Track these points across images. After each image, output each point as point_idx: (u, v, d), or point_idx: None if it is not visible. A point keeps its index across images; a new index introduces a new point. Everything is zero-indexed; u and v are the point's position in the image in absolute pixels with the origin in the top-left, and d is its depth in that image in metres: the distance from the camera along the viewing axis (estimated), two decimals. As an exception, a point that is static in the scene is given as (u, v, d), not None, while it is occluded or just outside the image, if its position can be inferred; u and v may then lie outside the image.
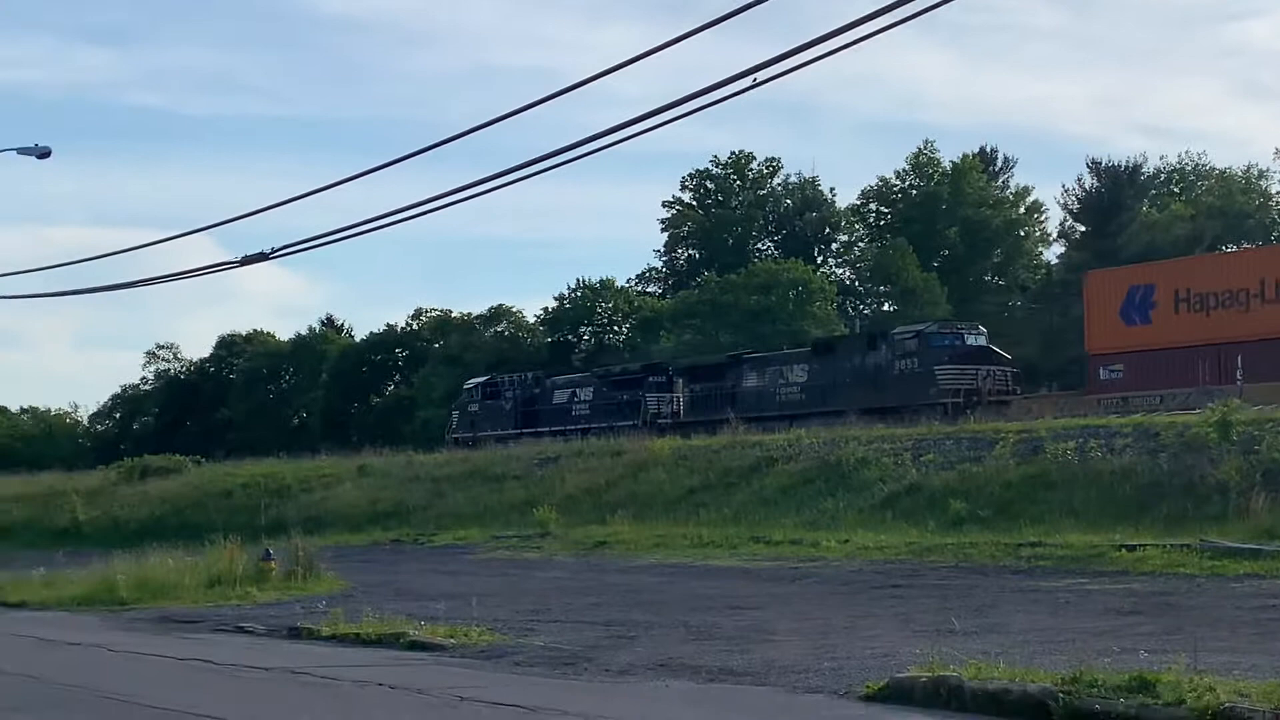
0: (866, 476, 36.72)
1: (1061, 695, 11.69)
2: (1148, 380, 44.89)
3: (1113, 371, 47.36)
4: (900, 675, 13.25)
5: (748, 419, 48.24)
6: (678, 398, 57.52)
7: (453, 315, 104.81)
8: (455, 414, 66.83)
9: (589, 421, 57.30)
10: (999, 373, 48.55)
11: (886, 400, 47.39)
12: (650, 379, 58.68)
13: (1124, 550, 25.60)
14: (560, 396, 61.25)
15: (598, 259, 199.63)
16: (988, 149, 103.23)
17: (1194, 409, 34.94)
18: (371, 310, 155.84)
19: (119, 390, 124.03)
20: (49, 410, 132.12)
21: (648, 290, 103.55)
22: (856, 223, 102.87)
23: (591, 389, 60.43)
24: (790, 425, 45.54)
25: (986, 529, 30.34)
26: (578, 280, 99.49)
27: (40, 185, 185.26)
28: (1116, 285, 49.81)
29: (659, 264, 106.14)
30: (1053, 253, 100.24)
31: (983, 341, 50.12)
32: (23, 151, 35.42)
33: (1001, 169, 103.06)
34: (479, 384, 66.57)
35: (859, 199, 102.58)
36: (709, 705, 13.19)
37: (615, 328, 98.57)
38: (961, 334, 50.33)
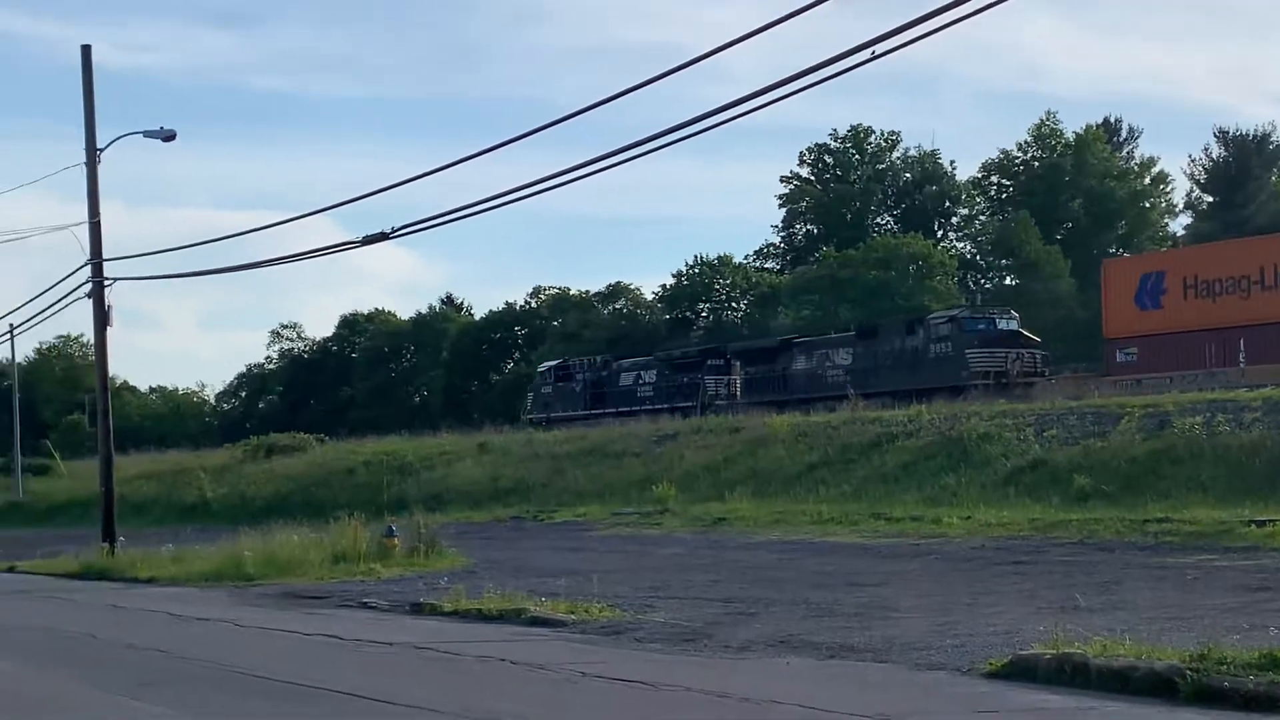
0: (989, 452, 36.37)
1: (1189, 673, 11.50)
2: (1159, 363, 46.80)
3: (1127, 354, 49.39)
4: (1024, 652, 13.11)
5: (797, 400, 51.25)
6: (734, 380, 59.88)
7: (571, 293, 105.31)
8: (530, 396, 69.42)
9: (653, 403, 59.35)
10: (1027, 355, 51.34)
11: (922, 382, 49.43)
12: (709, 362, 60.98)
13: (1253, 526, 25.14)
14: (626, 379, 63.72)
15: (715, 235, 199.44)
16: (1112, 119, 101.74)
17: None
18: (490, 289, 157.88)
19: (244, 369, 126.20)
20: (177, 389, 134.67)
21: (766, 266, 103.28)
22: (977, 196, 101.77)
23: (655, 372, 62.81)
24: (837, 407, 47.08)
25: (1112, 505, 29.94)
26: (695, 257, 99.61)
27: (166, 168, 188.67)
28: (1131, 273, 52.51)
29: (777, 240, 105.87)
30: (1179, 224, 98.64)
31: (1013, 326, 52.72)
32: (148, 134, 36.02)
33: (1126, 139, 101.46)
34: (551, 367, 68.99)
35: (980, 171, 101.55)
36: (830, 682, 13.13)
37: (733, 304, 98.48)
38: (993, 319, 53.07)
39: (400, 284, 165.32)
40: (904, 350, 53.08)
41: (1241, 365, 42.52)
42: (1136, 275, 51.56)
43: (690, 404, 56.65)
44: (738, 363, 60.69)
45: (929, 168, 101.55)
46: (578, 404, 64.06)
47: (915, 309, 71.85)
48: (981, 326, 52.20)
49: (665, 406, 57.13)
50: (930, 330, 52.71)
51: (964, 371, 49.96)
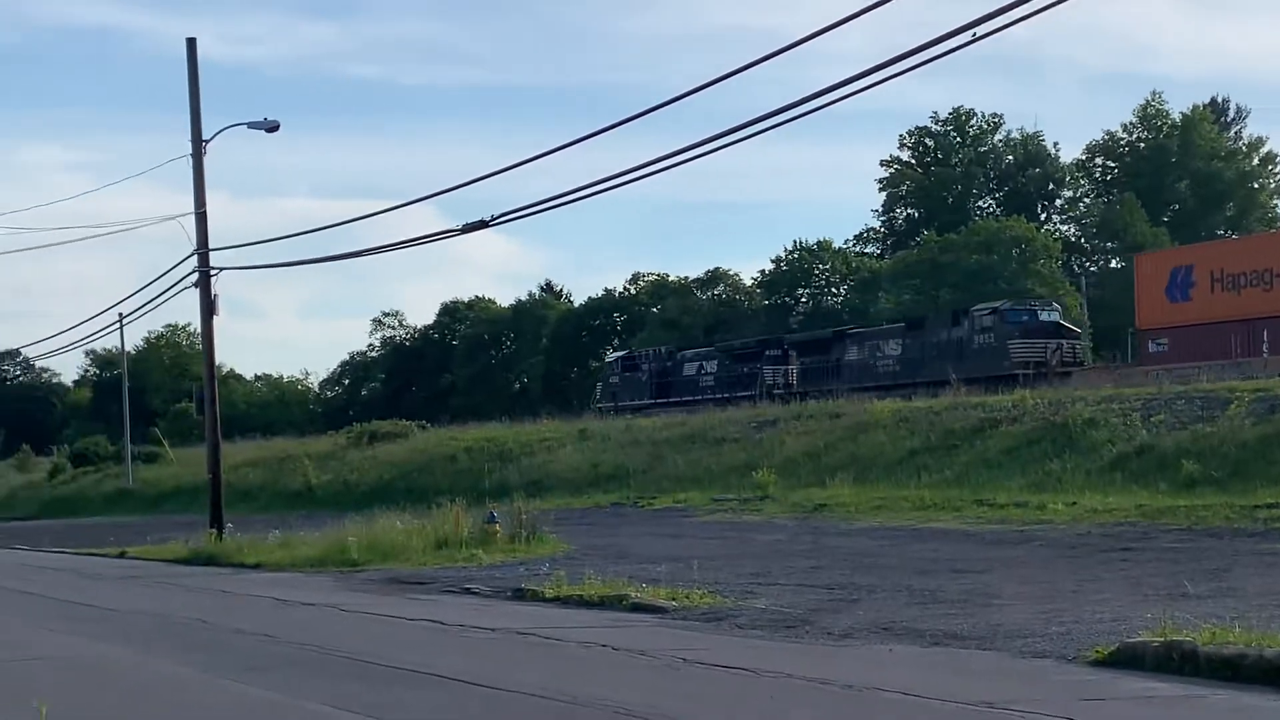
0: (1094, 438, 35.90)
1: (1302, 662, 11.30)
2: (1189, 353, 47.60)
3: (1159, 345, 51.18)
4: (1131, 640, 12.94)
5: (849, 389, 51.95)
6: (791, 370, 62.12)
7: (670, 279, 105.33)
8: (599, 385, 72.11)
9: (714, 392, 61.75)
10: (1067, 345, 53.70)
11: (967, 372, 50.44)
12: (767, 353, 63.32)
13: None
14: (689, 369, 65.77)
15: (815, 220, 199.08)
16: (1219, 99, 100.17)
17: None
18: (590, 275, 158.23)
19: (347, 357, 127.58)
20: (282, 377, 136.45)
21: (866, 251, 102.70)
22: (1081, 178, 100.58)
23: (716, 362, 65.10)
24: (885, 395, 48.58)
25: (1220, 491, 29.45)
26: (795, 242, 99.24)
27: (269, 158, 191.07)
28: (1162, 266, 54.15)
29: (877, 224, 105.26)
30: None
31: (1055, 317, 55.23)
32: (252, 126, 36.41)
33: (1234, 120, 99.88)
34: (619, 358, 71.86)
35: (1084, 154, 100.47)
36: (933, 669, 13.03)
37: (833, 289, 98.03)
38: (1034, 310, 55.26)
39: (500, 271, 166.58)
40: (950, 341, 54.85)
41: (1265, 355, 44.18)
42: (1168, 268, 53.13)
43: (750, 393, 58.37)
44: (794, 353, 62.90)
45: (1032, 150, 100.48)
46: (643, 393, 66.14)
47: (1018, 293, 71.18)
48: (1024, 318, 54.17)
49: (726, 396, 59.18)
50: (974, 322, 54.51)
51: (1006, 361, 51.69)
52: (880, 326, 62.84)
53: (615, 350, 75.92)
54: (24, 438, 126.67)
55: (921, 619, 16.11)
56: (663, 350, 70.09)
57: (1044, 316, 54.64)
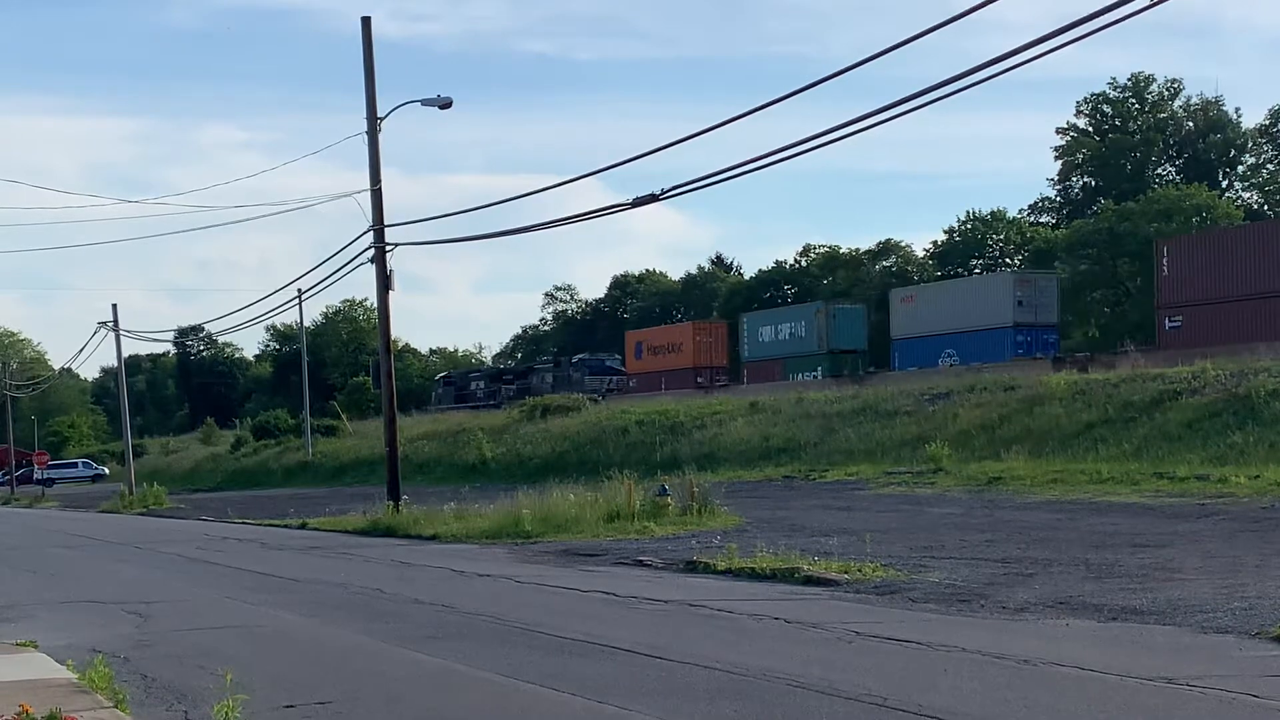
0: (1279, 409, 34.97)
1: None
2: (645, 388, 78.17)
3: (632, 382, 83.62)
4: (1317, 617, 12.65)
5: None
6: (512, 388, 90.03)
7: (840, 251, 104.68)
8: (433, 394, 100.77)
9: (482, 401, 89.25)
10: (618, 380, 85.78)
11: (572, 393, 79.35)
12: (504, 376, 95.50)
13: None
14: (473, 386, 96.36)
15: (988, 190, 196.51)
16: None
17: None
18: (759, 247, 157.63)
19: (520, 330, 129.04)
20: (456, 351, 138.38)
21: (1040, 220, 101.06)
22: (1265, 144, 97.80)
23: (484, 381, 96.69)
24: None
25: None
26: (967, 212, 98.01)
27: (442, 135, 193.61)
28: (633, 340, 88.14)
29: (1052, 193, 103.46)
30: None
31: (614, 364, 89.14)
32: (426, 103, 36.85)
33: None
34: (441, 378, 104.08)
35: (1267, 118, 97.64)
36: (1111, 645, 12.85)
37: (1007, 259, 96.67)
38: (602, 360, 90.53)
39: (671, 244, 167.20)
40: (566, 375, 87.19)
41: (662, 390, 73.52)
42: (635, 341, 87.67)
43: (495, 403, 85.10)
44: (516, 378, 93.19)
45: (1213, 115, 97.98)
46: (452, 400, 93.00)
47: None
48: (594, 364, 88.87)
49: (488, 403, 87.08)
50: (576, 364, 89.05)
51: (590, 388, 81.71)
52: (547, 364, 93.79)
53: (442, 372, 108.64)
54: (208, 411, 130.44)
55: (1099, 593, 15.89)
56: (463, 372, 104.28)
57: (608, 363, 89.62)
